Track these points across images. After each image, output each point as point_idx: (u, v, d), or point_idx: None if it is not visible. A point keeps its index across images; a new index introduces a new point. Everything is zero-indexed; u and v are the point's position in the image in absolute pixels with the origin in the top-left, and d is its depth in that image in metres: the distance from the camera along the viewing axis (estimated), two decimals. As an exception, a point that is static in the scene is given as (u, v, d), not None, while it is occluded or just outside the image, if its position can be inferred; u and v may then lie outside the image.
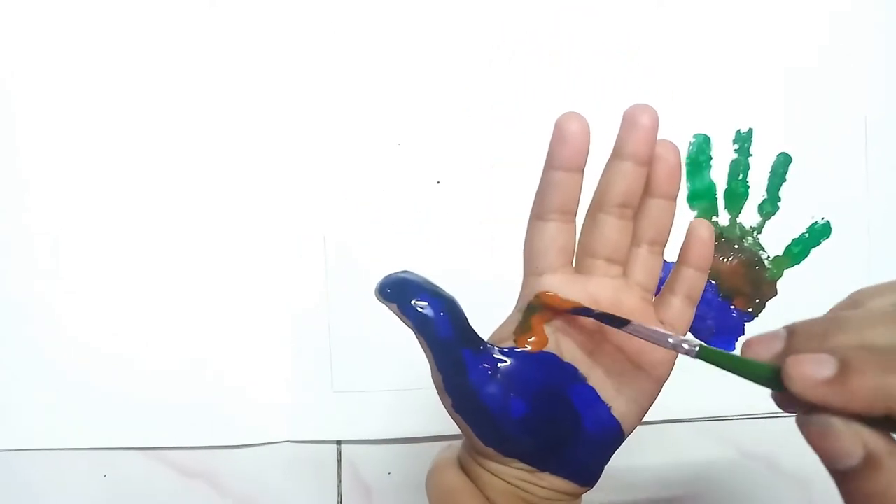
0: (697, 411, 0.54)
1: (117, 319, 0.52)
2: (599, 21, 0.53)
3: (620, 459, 0.53)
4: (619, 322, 0.30)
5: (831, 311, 0.29)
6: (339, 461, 0.53)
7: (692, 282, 0.33)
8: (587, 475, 0.34)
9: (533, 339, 0.32)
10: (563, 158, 0.30)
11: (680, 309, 0.34)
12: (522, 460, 0.32)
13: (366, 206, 0.53)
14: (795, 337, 0.26)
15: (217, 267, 0.52)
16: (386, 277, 0.31)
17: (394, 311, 0.31)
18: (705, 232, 0.33)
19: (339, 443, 0.53)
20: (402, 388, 0.52)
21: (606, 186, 0.31)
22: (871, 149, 0.54)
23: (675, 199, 0.32)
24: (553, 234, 0.32)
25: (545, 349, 0.32)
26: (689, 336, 0.28)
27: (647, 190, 0.32)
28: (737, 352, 0.27)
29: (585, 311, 0.31)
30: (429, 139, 0.53)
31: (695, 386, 0.54)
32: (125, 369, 0.52)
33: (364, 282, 0.52)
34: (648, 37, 0.54)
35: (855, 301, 0.28)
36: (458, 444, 0.36)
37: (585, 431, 0.32)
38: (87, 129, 0.52)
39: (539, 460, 0.32)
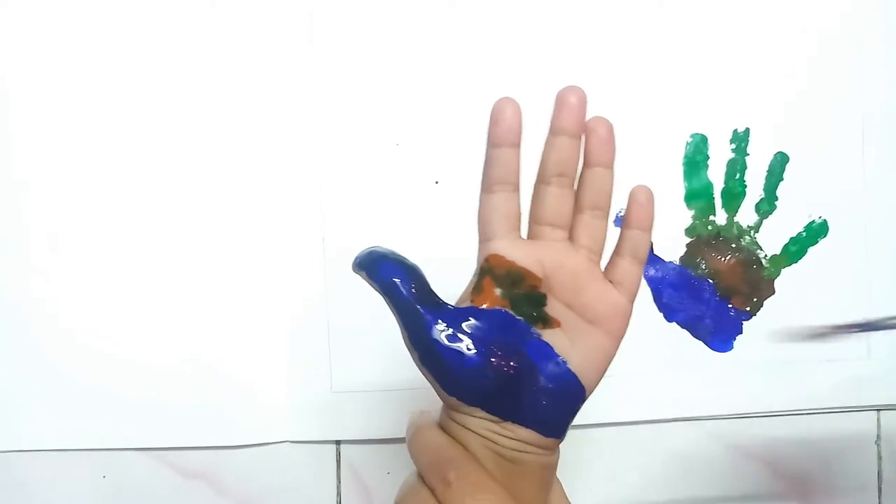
0: (695, 410, 0.54)
1: (116, 319, 0.52)
2: (599, 20, 0.53)
3: (616, 458, 0.54)
4: None
5: None
6: (339, 461, 0.53)
7: (635, 242, 0.36)
8: (550, 426, 0.35)
9: (486, 298, 0.35)
10: (498, 136, 0.35)
11: (626, 268, 0.36)
12: (485, 409, 0.35)
13: (364, 206, 0.53)
14: None
15: (216, 267, 0.52)
16: (359, 252, 0.36)
17: (364, 279, 0.35)
18: (643, 195, 0.36)
19: (338, 443, 0.53)
20: (401, 388, 0.52)
21: (545, 160, 0.36)
22: (869, 148, 0.55)
23: (611, 167, 0.35)
24: (496, 204, 0.36)
25: (498, 307, 0.35)
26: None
27: (585, 161, 0.35)
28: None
29: None
30: (427, 139, 0.53)
31: (691, 385, 0.54)
32: (124, 370, 0.52)
33: (363, 282, 0.52)
34: (648, 37, 0.54)
35: None
36: (431, 410, 0.38)
37: (542, 382, 0.35)
38: (86, 128, 0.52)
39: (499, 409, 0.35)
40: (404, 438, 0.52)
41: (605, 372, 0.36)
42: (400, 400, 0.52)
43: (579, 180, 0.36)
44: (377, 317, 0.52)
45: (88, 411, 0.52)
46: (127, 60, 0.52)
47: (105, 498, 0.52)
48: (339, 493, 0.53)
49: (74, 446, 0.52)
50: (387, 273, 0.35)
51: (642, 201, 0.36)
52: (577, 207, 0.36)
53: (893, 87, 0.55)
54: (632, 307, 0.36)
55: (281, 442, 0.53)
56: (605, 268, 0.37)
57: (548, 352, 0.35)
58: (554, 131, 0.35)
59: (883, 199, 0.55)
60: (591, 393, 0.36)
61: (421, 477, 0.35)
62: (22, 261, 0.52)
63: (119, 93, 0.52)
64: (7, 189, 0.52)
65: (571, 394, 0.35)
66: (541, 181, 0.36)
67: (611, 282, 0.36)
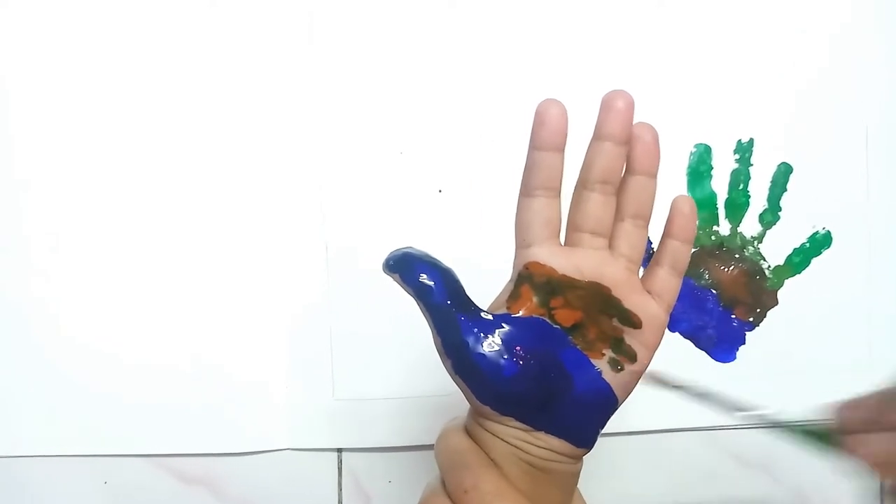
0: (696, 420, 0.54)
1: (117, 324, 0.52)
2: (601, 29, 0.53)
3: (619, 468, 0.54)
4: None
5: None
6: (340, 469, 0.53)
7: (676, 253, 0.36)
8: (581, 436, 0.35)
9: (523, 305, 0.35)
10: (543, 139, 0.33)
11: (665, 279, 0.36)
12: (517, 419, 0.34)
13: (367, 214, 0.53)
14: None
15: (218, 273, 0.52)
16: (391, 252, 0.35)
17: (397, 282, 0.34)
18: (686, 206, 0.36)
19: (339, 450, 0.53)
20: (403, 396, 0.52)
21: (588, 165, 0.34)
22: (872, 159, 0.55)
23: (654, 176, 0.35)
24: (537, 209, 0.34)
25: (535, 315, 0.34)
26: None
27: (628, 168, 0.35)
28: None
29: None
30: (431, 148, 0.53)
31: (695, 395, 0.54)
32: (125, 375, 0.52)
33: (365, 289, 0.52)
34: (650, 47, 0.54)
35: None
36: (464, 414, 0.37)
37: (576, 392, 0.34)
38: (86, 128, 0.52)
39: (533, 419, 0.34)
40: (406, 446, 0.52)
41: (637, 382, 0.36)
42: (402, 408, 0.52)
43: (620, 187, 0.35)
44: (379, 324, 0.53)
45: (89, 417, 0.52)
46: (127, 61, 0.52)
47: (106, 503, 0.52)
48: (340, 501, 0.53)
49: (75, 452, 0.52)
50: (422, 276, 0.33)
51: (686, 212, 0.36)
52: (617, 215, 0.35)
53: (897, 98, 0.55)
54: (668, 318, 0.36)
55: (282, 449, 0.53)
56: (643, 277, 0.36)
57: (583, 362, 0.35)
58: (599, 136, 0.34)
59: (886, 210, 0.55)
60: (622, 403, 0.36)
61: (443, 482, 0.35)
62: (22, 261, 0.52)
63: (119, 93, 0.52)
64: (7, 189, 0.52)
65: (604, 404, 0.35)
66: (583, 187, 0.35)
67: (648, 292, 0.36)
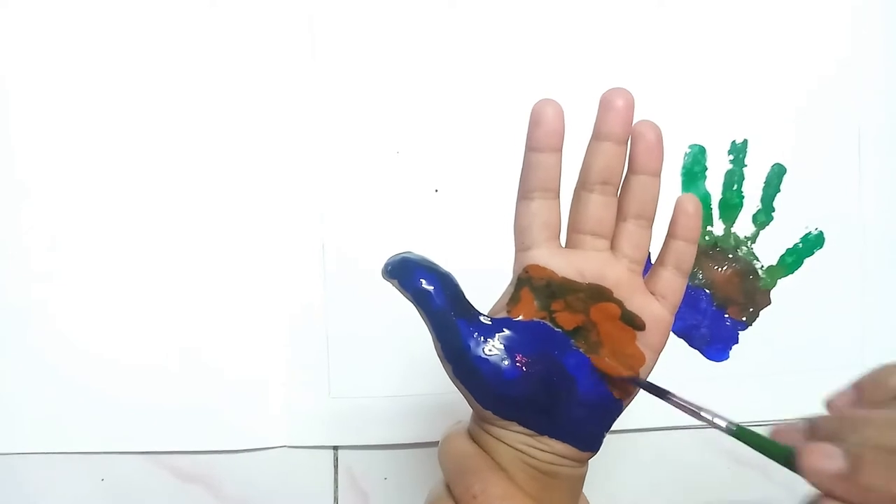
0: (690, 418, 0.54)
1: (115, 324, 0.52)
2: (599, 27, 0.54)
3: (615, 466, 0.54)
4: (661, 392, 0.34)
5: (853, 386, 0.31)
6: (336, 466, 0.53)
7: (680, 253, 0.35)
8: (586, 440, 0.35)
9: (524, 309, 0.34)
10: (539, 140, 0.33)
11: (669, 279, 0.35)
12: (521, 423, 0.34)
13: (364, 214, 0.53)
14: (813, 432, 0.28)
15: (216, 273, 0.53)
16: (390, 258, 0.34)
17: (395, 287, 0.33)
18: (691, 205, 0.35)
19: (335, 448, 0.53)
20: (399, 394, 0.52)
21: (588, 165, 0.34)
22: (865, 159, 0.55)
23: (658, 174, 0.34)
24: (535, 211, 0.34)
25: (536, 318, 0.34)
26: (724, 415, 0.32)
27: (630, 167, 0.34)
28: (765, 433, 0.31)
29: (633, 381, 0.34)
30: (427, 148, 0.53)
31: (690, 394, 0.54)
32: (124, 373, 0.52)
33: (362, 288, 0.53)
34: (646, 48, 0.54)
35: (875, 380, 0.30)
36: (466, 419, 0.37)
37: (580, 396, 0.34)
38: (86, 131, 0.52)
39: (536, 423, 0.34)
40: (401, 444, 0.53)
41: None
42: (398, 406, 0.53)
43: (623, 187, 0.34)
44: (375, 323, 0.53)
45: (87, 414, 0.52)
46: (127, 64, 0.52)
47: (103, 501, 0.52)
48: (335, 499, 0.53)
49: (73, 449, 0.52)
50: (420, 281, 0.33)
51: (690, 211, 0.35)
52: (619, 215, 0.34)
53: (889, 99, 0.55)
54: (672, 319, 0.35)
55: (279, 447, 0.53)
56: (646, 278, 0.36)
57: (586, 365, 0.34)
58: (598, 136, 0.33)
59: (879, 210, 0.55)
60: (627, 406, 0.35)
61: (448, 487, 0.34)
62: (22, 264, 0.52)
63: (119, 96, 0.52)
64: (7, 190, 0.52)
65: (609, 407, 0.35)
66: (583, 188, 0.34)
67: (652, 293, 0.35)
